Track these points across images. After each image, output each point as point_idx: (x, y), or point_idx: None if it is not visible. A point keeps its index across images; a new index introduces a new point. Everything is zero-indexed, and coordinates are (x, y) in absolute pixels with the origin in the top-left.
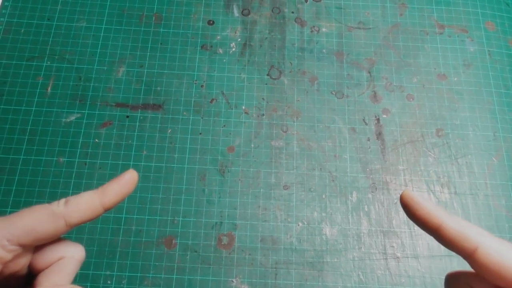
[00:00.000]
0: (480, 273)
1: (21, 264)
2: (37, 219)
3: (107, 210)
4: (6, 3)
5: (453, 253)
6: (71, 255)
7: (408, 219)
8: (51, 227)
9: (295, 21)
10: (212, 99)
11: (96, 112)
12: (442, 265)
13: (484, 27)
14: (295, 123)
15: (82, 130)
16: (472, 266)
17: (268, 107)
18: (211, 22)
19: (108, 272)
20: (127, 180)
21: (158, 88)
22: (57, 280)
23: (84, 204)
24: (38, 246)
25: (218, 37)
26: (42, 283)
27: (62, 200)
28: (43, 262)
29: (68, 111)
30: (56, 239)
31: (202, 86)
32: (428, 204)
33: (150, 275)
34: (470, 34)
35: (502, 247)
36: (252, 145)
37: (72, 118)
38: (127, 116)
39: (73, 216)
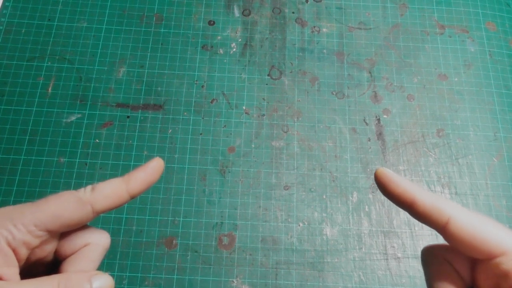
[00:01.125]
0: (453, 245)
1: (47, 250)
2: (64, 205)
3: (133, 197)
4: (7, 4)
5: None
6: (96, 242)
7: (409, 219)
8: (77, 213)
9: (295, 21)
10: (213, 100)
11: (97, 113)
12: None
13: (484, 27)
14: (295, 123)
15: (83, 131)
16: (446, 239)
17: (268, 107)
18: (212, 22)
19: (108, 272)
20: (153, 168)
21: (159, 89)
22: (82, 266)
23: (111, 191)
24: (64, 233)
25: (219, 38)
26: (67, 269)
27: (89, 187)
28: (69, 249)
29: (69, 111)
30: (81, 226)
31: (202, 86)
32: (402, 180)
33: (151, 275)
34: (471, 35)
35: (473, 218)
36: (253, 146)
37: (73, 118)
38: (128, 117)
39: (100, 202)
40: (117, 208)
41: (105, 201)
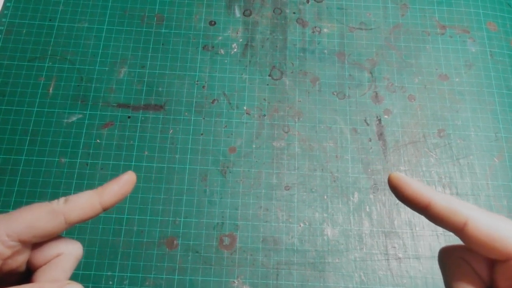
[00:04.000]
0: (471, 247)
1: (19, 261)
2: (37, 216)
3: (105, 209)
4: (7, 4)
5: None
6: (69, 252)
7: (409, 219)
8: (50, 224)
9: (296, 21)
10: (214, 100)
11: (98, 113)
12: None
13: (485, 28)
14: (296, 124)
15: (84, 131)
16: (463, 240)
17: (269, 107)
18: (213, 22)
19: (109, 273)
20: (126, 181)
21: (160, 89)
22: (55, 276)
23: (83, 203)
24: (36, 244)
25: (220, 38)
26: (40, 278)
27: (62, 199)
28: (41, 259)
29: (70, 111)
30: (54, 237)
31: (203, 86)
32: (416, 183)
33: (152, 275)
34: (472, 35)
35: (491, 219)
36: (254, 146)
37: (74, 118)
38: (129, 117)
39: (72, 214)
40: (91, 220)
41: (78, 213)
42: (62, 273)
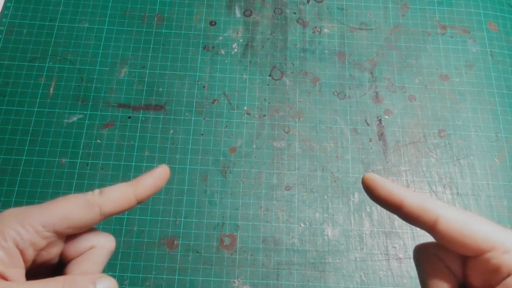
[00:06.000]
0: (443, 244)
1: (53, 253)
2: (72, 207)
3: (140, 202)
4: (8, 4)
5: None
6: (102, 245)
7: None
8: (85, 215)
9: (297, 21)
10: (214, 100)
11: (98, 113)
12: None
13: (486, 28)
14: (297, 124)
15: (84, 131)
16: (435, 238)
17: (270, 108)
18: (213, 23)
19: (110, 273)
20: (160, 174)
21: (160, 89)
22: (87, 269)
23: (118, 195)
24: (69, 236)
25: (220, 38)
26: (72, 271)
27: (97, 190)
28: (74, 251)
29: (70, 112)
30: (87, 229)
31: (204, 87)
32: (389, 183)
33: (152, 276)
34: (472, 35)
35: (461, 216)
36: (254, 146)
37: (74, 119)
38: (129, 117)
39: (108, 205)
40: (125, 212)
41: (113, 204)
42: (94, 266)
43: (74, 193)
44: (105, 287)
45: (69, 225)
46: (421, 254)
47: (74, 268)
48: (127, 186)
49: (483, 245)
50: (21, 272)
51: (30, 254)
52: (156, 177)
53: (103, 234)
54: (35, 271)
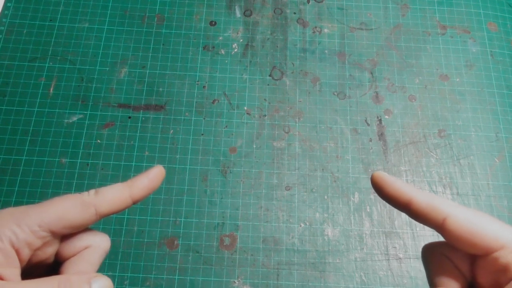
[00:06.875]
0: (451, 242)
1: (49, 252)
2: (68, 207)
3: (135, 202)
4: (8, 4)
5: None
6: (97, 245)
7: (410, 219)
8: (81, 215)
9: (297, 22)
10: (214, 100)
11: (98, 113)
12: None
13: (486, 28)
14: (297, 124)
15: (84, 131)
16: (444, 237)
17: (270, 107)
18: (213, 23)
19: (110, 273)
20: (155, 175)
21: (160, 89)
22: (82, 268)
23: (114, 195)
24: (65, 236)
25: (220, 38)
26: (67, 270)
27: (92, 191)
28: (69, 251)
29: (70, 112)
30: (83, 229)
31: (204, 87)
32: (398, 181)
33: (152, 276)
34: (472, 35)
35: (470, 215)
36: (254, 146)
37: (74, 119)
38: (129, 117)
39: (103, 205)
40: (120, 212)
41: (109, 204)
42: (89, 265)
43: (74, 193)
44: (100, 286)
45: (65, 225)
46: (429, 253)
47: (69, 267)
48: (123, 186)
49: (491, 243)
50: (17, 271)
51: (26, 253)
52: (151, 177)
53: (98, 234)
54: (31, 270)
